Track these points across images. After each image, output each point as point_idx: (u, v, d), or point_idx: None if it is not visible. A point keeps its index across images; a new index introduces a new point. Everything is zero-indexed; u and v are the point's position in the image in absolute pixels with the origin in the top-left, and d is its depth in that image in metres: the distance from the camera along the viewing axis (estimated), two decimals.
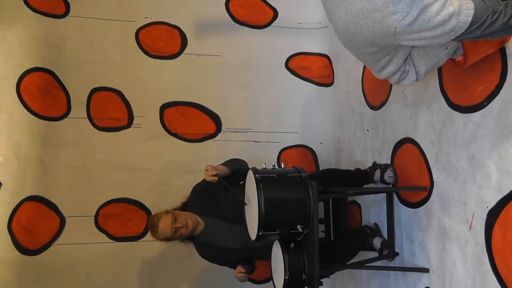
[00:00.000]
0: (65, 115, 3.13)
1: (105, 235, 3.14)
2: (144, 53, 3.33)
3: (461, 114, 1.97)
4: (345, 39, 1.58)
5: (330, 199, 2.75)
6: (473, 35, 1.43)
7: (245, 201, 2.17)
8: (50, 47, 3.12)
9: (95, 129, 3.18)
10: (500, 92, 1.73)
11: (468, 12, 1.35)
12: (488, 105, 1.79)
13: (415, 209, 2.33)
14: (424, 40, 1.43)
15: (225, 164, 2.41)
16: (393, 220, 2.51)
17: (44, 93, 3.08)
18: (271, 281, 2.27)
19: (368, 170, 2.67)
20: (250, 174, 2.07)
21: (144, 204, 3.21)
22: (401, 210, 2.46)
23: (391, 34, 1.41)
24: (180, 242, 2.44)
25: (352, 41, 1.55)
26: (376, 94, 2.80)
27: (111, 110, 3.23)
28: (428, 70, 1.71)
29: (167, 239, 2.35)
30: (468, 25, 1.36)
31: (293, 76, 3.57)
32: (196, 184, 2.51)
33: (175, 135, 3.34)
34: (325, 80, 3.59)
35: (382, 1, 1.35)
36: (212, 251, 2.45)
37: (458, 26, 1.36)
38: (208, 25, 3.52)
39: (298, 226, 1.92)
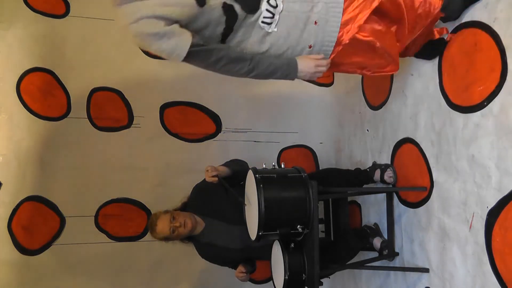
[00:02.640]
0: (65, 115, 3.13)
1: (105, 235, 3.14)
2: (144, 53, 3.32)
3: (461, 114, 1.97)
4: None
5: (330, 199, 2.75)
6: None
7: (245, 202, 2.17)
8: (50, 47, 3.11)
9: (95, 129, 3.17)
10: (500, 92, 1.73)
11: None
12: (488, 105, 1.79)
13: (415, 209, 2.33)
14: None
15: (225, 164, 2.42)
16: (393, 220, 2.51)
17: (44, 93, 3.08)
18: (271, 281, 2.27)
19: (368, 170, 2.67)
20: (250, 174, 2.07)
21: (144, 204, 3.21)
22: (401, 210, 2.46)
23: None
24: (180, 242, 2.44)
25: None
26: (376, 94, 2.80)
27: (111, 110, 3.22)
28: None
29: (166, 238, 2.35)
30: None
31: None
32: (196, 185, 2.52)
33: (175, 135, 3.34)
34: (325, 80, 3.59)
35: None
36: (212, 251, 2.45)
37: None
38: None
39: (298, 226, 1.92)
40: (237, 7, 1.59)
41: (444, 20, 2.02)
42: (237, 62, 1.64)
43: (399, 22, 1.86)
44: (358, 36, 1.75)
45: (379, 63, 1.91)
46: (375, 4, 1.71)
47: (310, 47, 1.73)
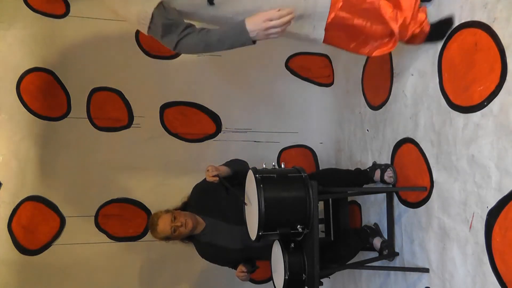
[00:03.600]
0: (65, 115, 3.13)
1: (105, 235, 3.14)
2: (144, 53, 3.32)
3: (461, 114, 1.97)
4: None
5: (330, 199, 2.75)
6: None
7: (246, 201, 2.17)
8: (50, 47, 3.12)
9: (95, 129, 3.18)
10: (500, 92, 1.73)
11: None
12: (488, 105, 1.79)
13: (415, 209, 2.33)
14: None
15: (226, 164, 2.42)
16: (393, 220, 2.51)
17: (44, 93, 3.08)
18: (271, 281, 2.27)
19: (368, 170, 2.67)
20: (250, 174, 2.07)
21: (144, 204, 3.21)
22: (401, 210, 2.46)
23: None
24: (180, 242, 2.44)
25: None
26: (376, 94, 2.80)
27: (111, 110, 3.22)
28: None
29: (167, 238, 2.35)
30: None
31: (293, 76, 3.57)
32: (197, 184, 2.52)
33: (175, 135, 3.34)
34: (325, 80, 3.59)
35: None
36: (212, 251, 2.45)
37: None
38: None
39: (298, 226, 1.92)
40: None
41: None
42: (192, 41, 1.59)
43: None
44: None
45: (379, 31, 1.85)
46: None
47: None
